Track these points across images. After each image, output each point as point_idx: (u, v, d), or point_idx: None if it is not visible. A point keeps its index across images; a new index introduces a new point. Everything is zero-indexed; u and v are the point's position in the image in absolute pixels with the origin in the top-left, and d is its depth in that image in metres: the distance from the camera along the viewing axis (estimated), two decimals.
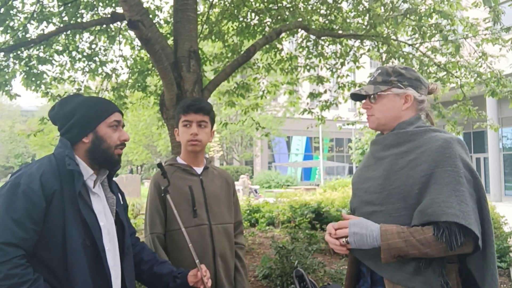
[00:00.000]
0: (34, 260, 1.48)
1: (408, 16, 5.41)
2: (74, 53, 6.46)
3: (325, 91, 6.92)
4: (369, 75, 6.86)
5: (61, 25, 5.93)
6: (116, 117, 1.69)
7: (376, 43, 6.34)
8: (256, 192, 20.86)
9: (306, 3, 6.37)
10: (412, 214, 1.48)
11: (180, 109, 2.19)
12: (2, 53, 5.46)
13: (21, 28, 5.71)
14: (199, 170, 2.22)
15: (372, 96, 1.66)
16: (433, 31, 5.37)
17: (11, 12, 5.60)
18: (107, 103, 1.73)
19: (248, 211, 9.79)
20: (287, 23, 5.17)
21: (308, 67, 6.92)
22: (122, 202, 1.81)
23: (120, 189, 1.87)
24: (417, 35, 5.85)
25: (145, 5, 5.89)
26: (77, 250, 1.50)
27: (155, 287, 1.90)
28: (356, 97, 1.74)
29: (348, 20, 6.38)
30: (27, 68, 5.96)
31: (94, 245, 1.54)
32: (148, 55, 4.68)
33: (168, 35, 6.12)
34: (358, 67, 6.72)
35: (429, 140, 1.54)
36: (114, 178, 1.89)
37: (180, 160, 2.25)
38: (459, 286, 1.51)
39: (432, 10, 5.15)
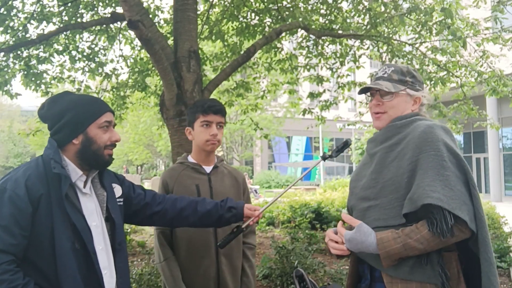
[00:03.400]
0: (25, 264, 1.47)
1: (408, 15, 5.40)
2: (74, 53, 6.46)
3: (324, 91, 6.90)
4: (369, 75, 6.92)
5: (61, 25, 5.93)
6: (107, 117, 1.66)
7: (376, 43, 6.34)
8: (256, 192, 20.83)
9: (306, 3, 6.37)
10: None
11: (197, 109, 2.20)
12: (2, 53, 5.45)
13: (21, 28, 5.71)
14: (208, 168, 2.25)
15: (389, 93, 1.64)
16: (440, 28, 5.32)
17: (11, 12, 5.59)
18: (98, 103, 1.69)
19: None
20: (287, 23, 5.16)
21: (308, 67, 6.91)
22: (120, 193, 1.78)
23: (117, 176, 1.83)
24: (418, 34, 5.83)
25: (145, 5, 5.89)
26: (66, 253, 1.49)
27: (205, 224, 1.96)
28: (365, 90, 1.72)
29: (348, 20, 6.37)
30: (27, 68, 5.95)
31: (84, 248, 1.53)
32: (148, 55, 4.67)
33: (168, 35, 6.11)
34: (358, 67, 6.72)
35: (414, 129, 1.56)
36: None
37: (191, 158, 2.28)
38: (460, 273, 1.50)
39: (433, 9, 5.13)
